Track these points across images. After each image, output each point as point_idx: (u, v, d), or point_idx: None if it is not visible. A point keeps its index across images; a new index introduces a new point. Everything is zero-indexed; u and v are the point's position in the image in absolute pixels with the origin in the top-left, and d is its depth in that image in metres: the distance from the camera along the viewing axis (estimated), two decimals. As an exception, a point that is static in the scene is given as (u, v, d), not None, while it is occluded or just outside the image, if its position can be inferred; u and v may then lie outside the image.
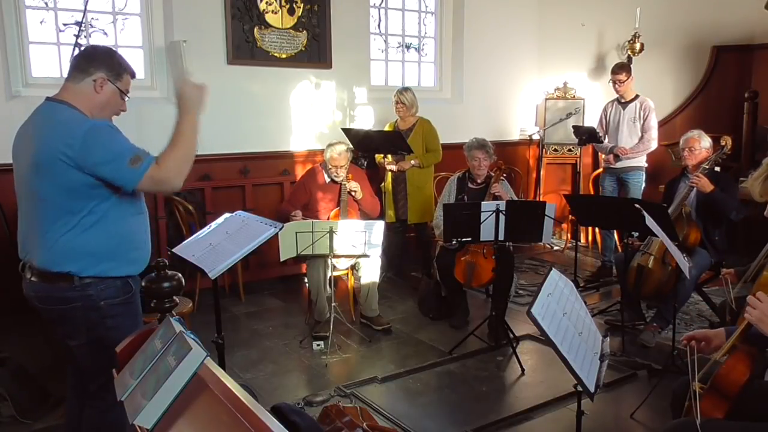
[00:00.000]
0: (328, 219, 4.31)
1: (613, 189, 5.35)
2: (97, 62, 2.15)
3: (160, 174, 2.09)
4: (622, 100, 5.27)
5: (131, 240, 2.21)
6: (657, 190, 4.40)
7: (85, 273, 2.11)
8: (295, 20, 5.25)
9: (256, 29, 5.06)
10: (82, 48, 2.26)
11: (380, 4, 6.08)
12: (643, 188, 5.26)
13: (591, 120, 6.19)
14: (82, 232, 2.09)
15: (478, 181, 4.41)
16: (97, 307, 2.14)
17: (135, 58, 4.84)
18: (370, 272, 4.21)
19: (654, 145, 5.17)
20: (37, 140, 2.08)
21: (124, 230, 2.17)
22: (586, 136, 5.34)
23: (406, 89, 5.14)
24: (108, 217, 2.12)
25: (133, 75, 2.28)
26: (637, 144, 5.18)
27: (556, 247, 6.54)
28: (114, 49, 2.26)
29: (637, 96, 5.24)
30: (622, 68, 5.21)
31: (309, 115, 5.44)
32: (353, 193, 4.37)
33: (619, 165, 5.23)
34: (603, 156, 5.56)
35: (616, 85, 5.22)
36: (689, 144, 4.11)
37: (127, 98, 2.26)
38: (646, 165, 5.29)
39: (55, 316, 2.20)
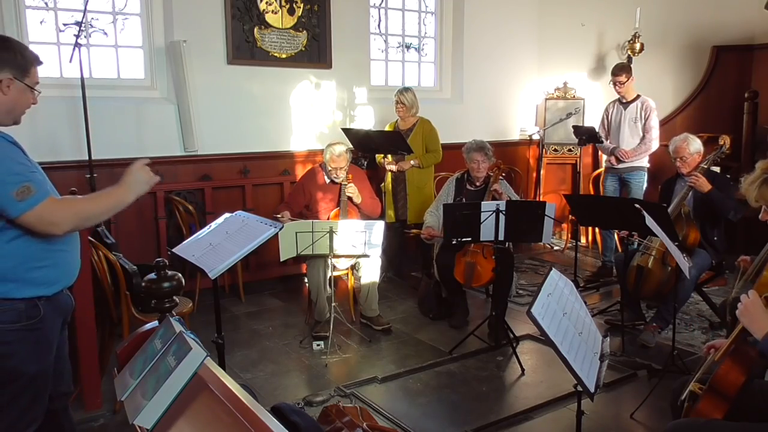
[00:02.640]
0: (328, 219, 4.31)
1: (615, 189, 5.35)
2: None
3: (51, 214, 1.91)
4: (624, 101, 5.27)
5: (32, 258, 1.98)
6: (658, 190, 4.42)
7: None
8: (295, 20, 5.25)
9: (256, 29, 5.06)
10: None
11: (380, 4, 6.08)
12: (644, 188, 5.26)
13: (591, 120, 6.19)
14: None
15: (477, 183, 4.41)
16: None
17: (135, 58, 4.85)
18: (370, 272, 4.21)
19: (655, 145, 5.16)
20: None
21: (21, 248, 1.95)
22: (586, 136, 5.34)
23: (406, 89, 5.13)
24: (2, 236, 1.92)
25: (39, 63, 2.04)
26: (638, 145, 5.17)
27: (556, 247, 6.54)
28: (9, 37, 2.05)
29: (638, 96, 5.23)
30: (622, 70, 5.20)
31: (309, 115, 5.44)
32: (351, 198, 4.37)
33: (621, 165, 5.24)
34: (605, 156, 5.56)
35: (617, 87, 5.22)
36: (679, 153, 4.07)
37: (37, 91, 2.05)
38: (648, 165, 5.28)
39: None
